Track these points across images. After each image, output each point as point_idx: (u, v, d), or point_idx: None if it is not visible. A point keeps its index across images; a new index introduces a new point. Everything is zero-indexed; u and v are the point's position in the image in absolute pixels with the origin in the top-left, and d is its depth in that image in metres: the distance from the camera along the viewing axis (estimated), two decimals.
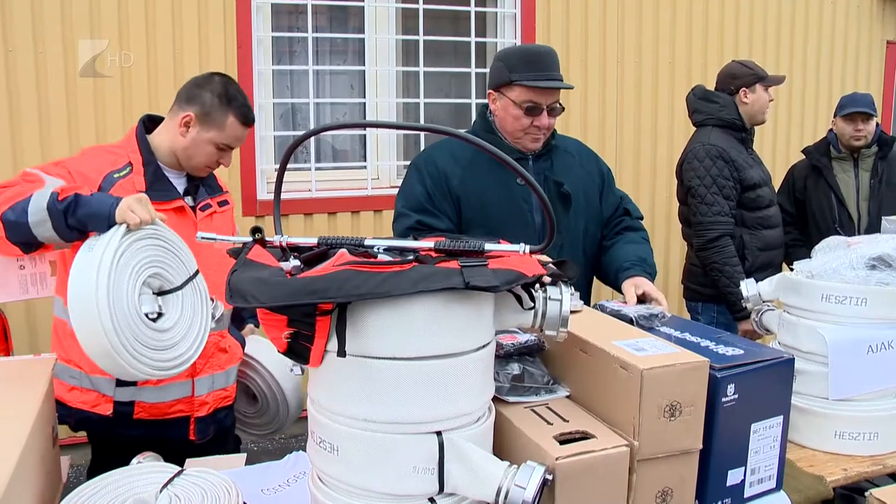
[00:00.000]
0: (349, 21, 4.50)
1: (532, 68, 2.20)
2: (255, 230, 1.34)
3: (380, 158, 4.40)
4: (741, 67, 3.45)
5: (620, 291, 2.20)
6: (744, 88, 3.40)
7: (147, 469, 1.50)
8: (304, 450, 1.58)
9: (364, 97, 4.45)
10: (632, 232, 2.47)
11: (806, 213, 3.90)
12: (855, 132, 3.69)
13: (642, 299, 2.08)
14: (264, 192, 4.11)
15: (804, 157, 3.95)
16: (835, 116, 3.80)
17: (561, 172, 2.33)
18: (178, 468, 1.48)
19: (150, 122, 2.34)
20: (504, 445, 1.40)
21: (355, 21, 4.46)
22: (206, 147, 2.26)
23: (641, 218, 2.54)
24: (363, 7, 4.36)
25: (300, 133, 1.51)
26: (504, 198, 2.27)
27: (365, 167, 4.43)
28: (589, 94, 4.83)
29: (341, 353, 1.16)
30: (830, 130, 3.86)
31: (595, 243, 2.45)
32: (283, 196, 4.01)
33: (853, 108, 3.66)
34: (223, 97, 2.24)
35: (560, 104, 2.29)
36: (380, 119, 4.49)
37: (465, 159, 2.30)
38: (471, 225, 2.25)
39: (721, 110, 3.40)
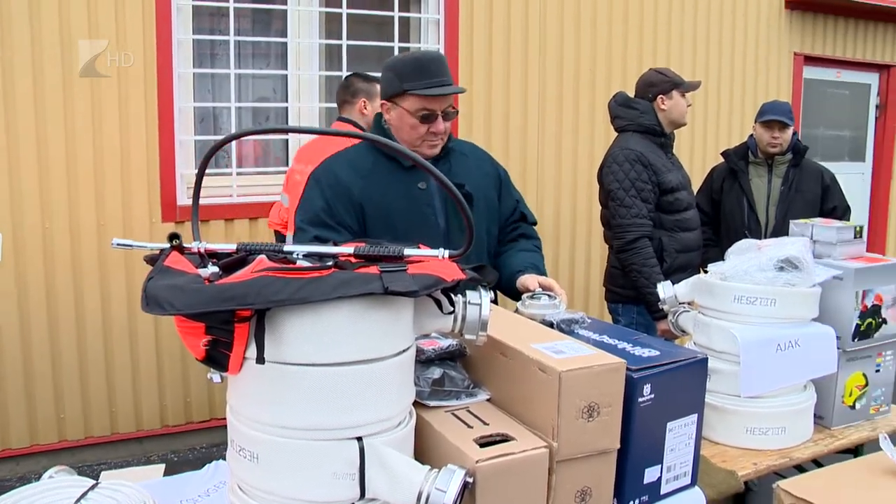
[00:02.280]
0: (272, 24, 4.46)
1: (423, 76, 2.19)
2: (173, 236, 1.31)
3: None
4: (657, 75, 3.54)
5: (513, 294, 2.23)
6: (661, 95, 3.48)
7: (60, 483, 1.45)
8: (225, 458, 1.56)
9: (287, 101, 4.41)
10: (526, 240, 2.50)
11: (720, 214, 4.03)
12: (771, 139, 3.83)
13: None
14: (184, 198, 4.04)
15: (723, 159, 4.08)
16: (755, 122, 3.94)
17: (460, 174, 2.33)
18: (92, 482, 1.44)
19: None
20: (425, 450, 1.40)
21: (278, 24, 4.42)
22: None
23: (535, 223, 2.58)
24: (286, 10, 4.33)
25: (221, 137, 1.50)
26: (407, 204, 2.26)
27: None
28: (511, 99, 4.89)
29: (260, 359, 1.15)
30: (751, 135, 4.00)
31: (496, 244, 2.48)
32: (204, 201, 3.98)
33: (770, 116, 3.81)
34: None
35: (454, 108, 2.29)
36: (302, 124, 4.45)
37: (365, 169, 2.28)
38: (375, 234, 2.23)
39: (640, 116, 3.49)
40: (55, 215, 3.77)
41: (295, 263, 1.27)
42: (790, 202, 3.86)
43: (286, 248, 1.32)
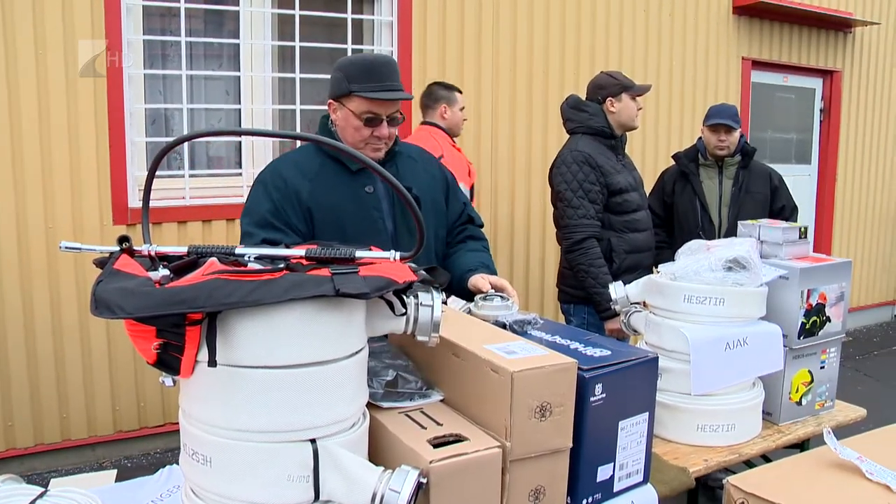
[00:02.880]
0: (224, 25, 4.42)
1: (370, 79, 2.18)
2: (123, 239, 1.30)
3: (255, 165, 4.32)
4: (607, 78, 3.58)
5: (464, 294, 2.25)
6: (610, 98, 3.53)
7: (6, 492, 1.43)
8: (179, 463, 1.55)
9: (240, 103, 4.38)
10: (474, 241, 2.51)
11: (673, 216, 4.08)
12: (718, 142, 3.88)
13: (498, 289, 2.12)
14: (135, 200, 3.97)
15: (674, 162, 4.14)
16: (703, 125, 3.98)
17: (408, 178, 2.33)
18: (40, 489, 1.41)
19: None
20: (379, 451, 1.41)
21: (231, 25, 4.38)
22: None
23: (482, 225, 2.60)
24: (238, 11, 4.29)
25: (172, 139, 1.48)
26: (355, 207, 2.25)
27: (241, 174, 4.35)
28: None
29: (212, 362, 1.15)
30: (700, 138, 4.04)
31: (443, 247, 2.48)
32: (157, 204, 3.93)
33: (717, 120, 3.86)
34: None
35: (401, 114, 2.28)
36: (255, 126, 4.42)
37: (312, 171, 2.27)
38: (325, 237, 2.22)
39: (590, 119, 3.53)
40: (1, 217, 3.69)
41: (246, 266, 1.27)
42: (741, 203, 3.92)
43: (238, 250, 1.32)
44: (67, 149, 3.80)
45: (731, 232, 3.70)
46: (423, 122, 4.28)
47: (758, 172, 3.99)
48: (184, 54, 4.14)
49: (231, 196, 4.22)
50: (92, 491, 1.43)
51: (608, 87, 3.54)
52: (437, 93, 4.25)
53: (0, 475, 1.57)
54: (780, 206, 3.98)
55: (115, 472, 1.77)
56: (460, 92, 4.36)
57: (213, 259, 1.25)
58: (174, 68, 4.21)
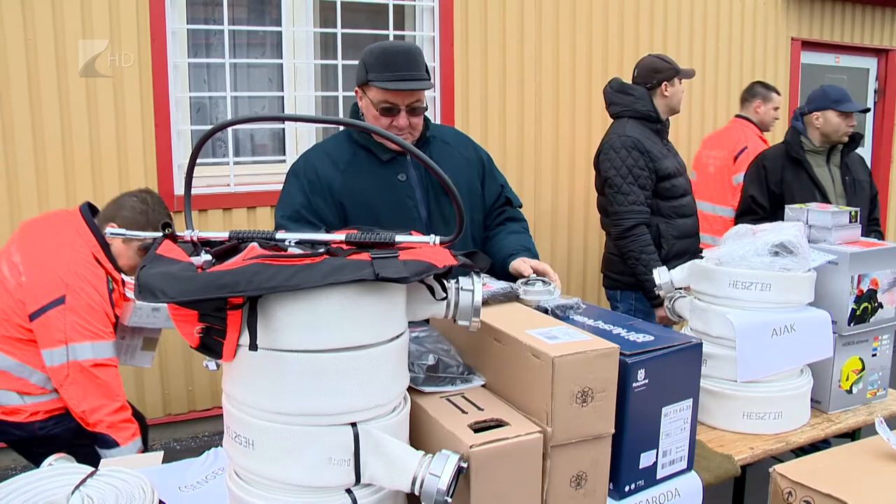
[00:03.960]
0: (267, 13, 4.44)
1: (387, 69, 2.14)
2: (165, 225, 1.31)
3: (299, 152, 4.32)
4: (661, 62, 3.52)
5: (505, 279, 2.23)
6: (665, 82, 3.48)
7: (58, 471, 1.46)
8: (223, 446, 1.57)
9: (283, 91, 4.40)
10: (513, 222, 2.48)
11: (781, 206, 3.74)
12: (848, 127, 3.63)
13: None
14: (181, 187, 4.03)
15: (785, 147, 3.77)
16: (817, 109, 3.65)
17: (441, 163, 2.28)
18: (90, 469, 1.44)
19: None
20: (420, 435, 1.41)
21: (273, 13, 4.41)
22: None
23: (520, 206, 2.56)
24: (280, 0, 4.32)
25: (212, 126, 1.50)
26: (388, 196, 2.24)
27: (284, 161, 4.39)
28: (508, 86, 4.88)
29: (253, 346, 1.15)
30: (799, 122, 3.74)
31: (480, 231, 2.46)
32: (202, 191, 3.98)
33: (852, 107, 3.61)
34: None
35: (422, 103, 2.24)
36: (298, 113, 4.45)
37: (344, 162, 2.27)
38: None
39: (636, 102, 3.48)
40: (53, 205, 3.77)
41: (286, 251, 1.27)
42: (855, 191, 3.69)
43: (278, 235, 1.32)
44: (115, 137, 3.87)
45: None
46: (737, 116, 4.82)
47: (855, 158, 3.78)
48: (227, 43, 4.18)
49: (275, 183, 4.24)
50: (140, 471, 1.46)
51: (664, 70, 3.49)
52: (756, 90, 4.81)
53: (52, 455, 1.61)
54: (874, 194, 3.79)
55: (161, 453, 1.80)
56: (778, 94, 4.77)
57: (254, 244, 1.26)
58: (218, 57, 4.25)
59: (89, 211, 2.60)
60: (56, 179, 3.78)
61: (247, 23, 4.41)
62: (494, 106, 4.85)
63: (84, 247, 2.47)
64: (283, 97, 4.41)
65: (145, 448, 2.78)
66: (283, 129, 4.45)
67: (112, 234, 1.38)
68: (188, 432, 4.21)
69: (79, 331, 2.37)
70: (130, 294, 2.70)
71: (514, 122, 4.94)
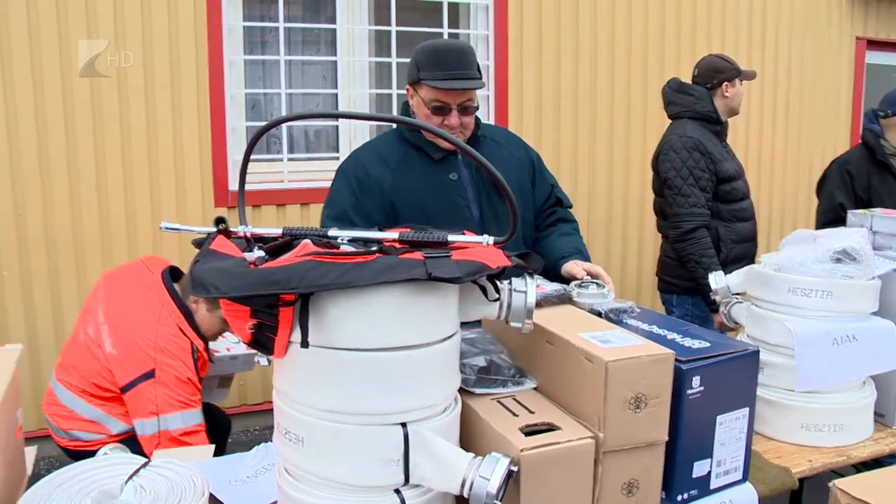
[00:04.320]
0: (322, 11, 4.47)
1: (439, 67, 2.13)
2: (219, 220, 1.32)
3: (352, 149, 4.33)
4: (723, 62, 3.45)
5: (557, 281, 2.19)
6: (726, 82, 3.41)
7: (112, 461, 1.48)
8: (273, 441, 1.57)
9: (337, 88, 4.42)
10: (564, 223, 2.45)
11: None
12: None
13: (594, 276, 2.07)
14: (236, 183, 4.06)
15: (866, 149, 3.61)
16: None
17: (491, 162, 2.26)
18: (144, 459, 1.46)
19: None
20: (470, 437, 1.39)
21: (328, 11, 4.43)
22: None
23: (571, 206, 2.53)
24: None
25: (267, 122, 1.50)
26: (439, 195, 2.23)
27: (337, 158, 4.41)
28: (563, 85, 4.84)
29: (304, 343, 1.15)
30: (874, 124, 3.59)
31: (531, 231, 2.43)
32: (256, 187, 4.02)
33: None
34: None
35: (474, 102, 2.22)
36: (352, 110, 4.46)
37: (394, 160, 2.25)
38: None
39: (696, 103, 3.41)
40: (112, 201, 3.84)
41: (339, 248, 1.27)
42: None
43: (330, 232, 1.32)
44: (171, 133, 3.93)
45: None
46: None
47: None
48: (282, 40, 4.21)
49: (328, 180, 4.23)
50: (191, 464, 1.47)
51: (726, 71, 3.42)
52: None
53: (106, 444, 1.63)
54: None
55: (213, 447, 1.82)
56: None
57: (307, 241, 1.26)
58: (273, 54, 4.29)
59: (170, 276, 2.66)
60: (115, 175, 3.85)
61: (302, 20, 4.44)
62: (549, 105, 4.81)
63: (169, 318, 2.53)
64: (336, 94, 4.44)
65: (225, 447, 2.89)
66: (337, 126, 4.48)
67: (167, 227, 1.39)
68: (239, 426, 4.26)
69: (169, 402, 2.43)
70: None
71: (569, 122, 4.89)
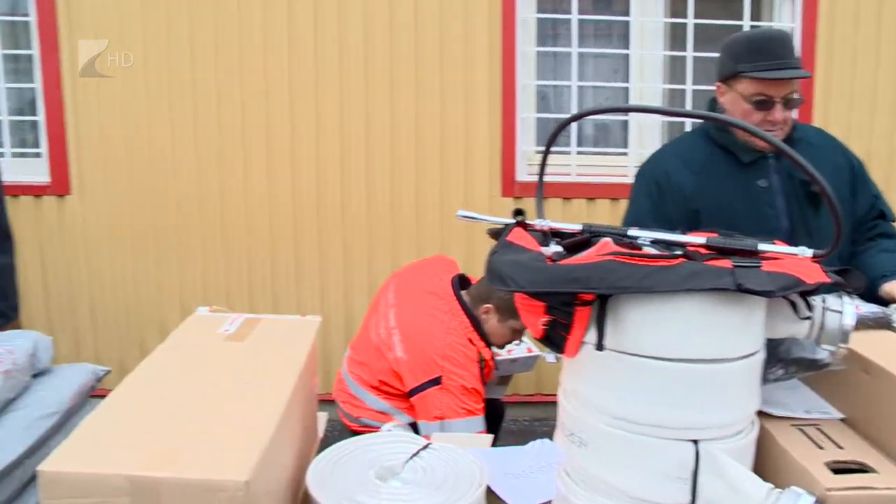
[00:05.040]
0: (615, 3, 4.39)
1: (760, 57, 1.97)
2: (517, 212, 1.32)
3: (643, 146, 4.24)
4: None
5: (874, 300, 1.95)
6: None
7: (396, 437, 1.54)
8: (548, 436, 1.56)
9: (628, 82, 4.33)
10: (886, 239, 2.19)
11: None
12: None
13: None
14: (524, 174, 4.13)
15: None
16: None
17: None
18: (425, 441, 1.50)
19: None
20: (765, 464, 1.28)
21: (621, 4, 4.35)
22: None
23: (895, 220, 2.26)
24: None
25: (564, 116, 1.49)
26: (746, 205, 2.07)
27: (626, 154, 4.32)
28: (881, 83, 4.36)
29: (599, 346, 1.12)
30: None
31: (848, 245, 2.19)
32: (544, 178, 4.03)
33: None
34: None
35: (798, 94, 2.03)
36: (645, 104, 4.35)
37: (698, 163, 2.12)
38: None
39: None
40: (404, 188, 4.06)
41: (641, 250, 1.21)
42: None
43: (631, 232, 1.27)
44: (463, 122, 4.06)
45: None
46: None
47: None
48: (574, 32, 4.19)
49: (616, 175, 4.20)
50: (469, 451, 1.49)
51: None
52: None
53: (386, 423, 1.71)
54: None
55: (491, 437, 1.84)
56: None
57: (608, 240, 1.22)
58: (564, 46, 4.28)
59: (459, 285, 2.75)
60: (406, 164, 4.05)
61: (594, 13, 4.39)
62: (863, 105, 4.35)
63: (458, 329, 2.61)
64: (627, 88, 4.34)
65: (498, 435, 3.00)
66: (627, 121, 4.39)
67: (464, 216, 1.42)
68: (509, 415, 4.32)
69: (454, 409, 2.51)
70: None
71: (884, 127, 4.40)
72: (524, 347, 3.04)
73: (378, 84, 4.00)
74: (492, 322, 2.66)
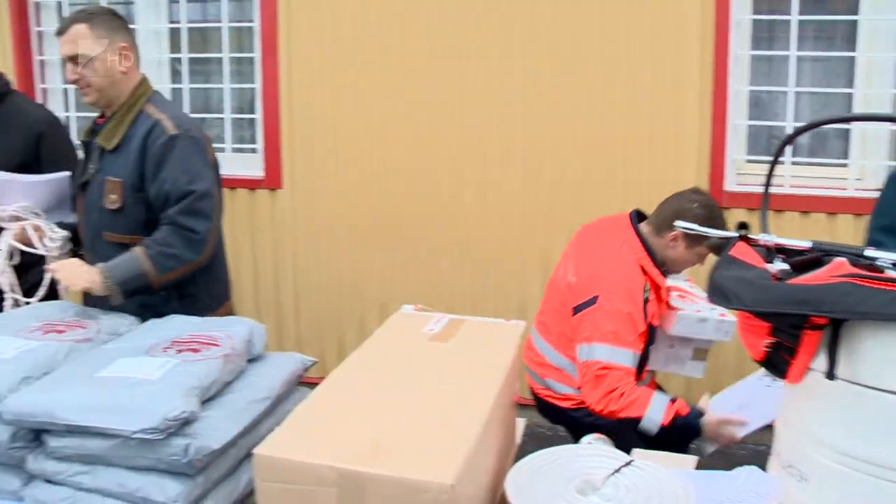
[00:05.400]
0: (837, 1, 4.09)
1: None
2: (741, 225, 1.25)
3: (867, 157, 3.94)
4: None
5: None
6: None
7: (598, 451, 1.51)
8: (757, 464, 1.47)
9: (852, 87, 4.02)
10: None
11: None
12: None
13: None
14: (732, 183, 3.94)
15: None
16: None
17: None
18: (628, 457, 1.46)
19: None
20: None
21: (846, 2, 4.04)
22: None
23: None
24: None
25: (778, 125, 1.39)
26: None
27: (846, 165, 4.02)
28: None
29: (830, 375, 1.03)
30: None
31: None
32: (753, 189, 3.85)
33: None
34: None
35: None
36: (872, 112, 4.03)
37: None
38: None
39: None
40: (594, 195, 3.98)
41: (882, 272, 1.11)
42: None
43: (868, 252, 1.16)
44: (674, 128, 3.93)
45: None
46: None
47: None
48: (794, 34, 3.94)
49: (834, 188, 3.91)
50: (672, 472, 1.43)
51: None
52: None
53: (589, 434, 1.67)
54: None
55: (696, 459, 1.76)
56: None
57: (843, 259, 1.12)
58: (780, 48, 4.04)
59: (637, 218, 2.73)
60: (613, 170, 3.98)
61: (815, 12, 4.10)
62: None
63: (629, 255, 2.58)
64: (851, 94, 4.03)
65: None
66: (848, 131, 4.07)
67: (682, 227, 1.36)
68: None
69: (603, 332, 2.47)
70: (676, 303, 2.76)
71: None
72: (717, 312, 2.79)
73: (587, 89, 3.96)
74: (679, 249, 2.61)
